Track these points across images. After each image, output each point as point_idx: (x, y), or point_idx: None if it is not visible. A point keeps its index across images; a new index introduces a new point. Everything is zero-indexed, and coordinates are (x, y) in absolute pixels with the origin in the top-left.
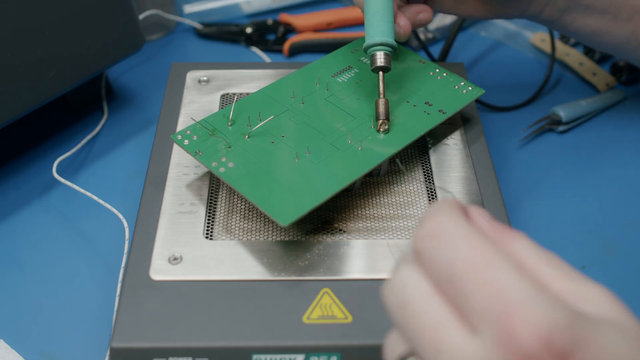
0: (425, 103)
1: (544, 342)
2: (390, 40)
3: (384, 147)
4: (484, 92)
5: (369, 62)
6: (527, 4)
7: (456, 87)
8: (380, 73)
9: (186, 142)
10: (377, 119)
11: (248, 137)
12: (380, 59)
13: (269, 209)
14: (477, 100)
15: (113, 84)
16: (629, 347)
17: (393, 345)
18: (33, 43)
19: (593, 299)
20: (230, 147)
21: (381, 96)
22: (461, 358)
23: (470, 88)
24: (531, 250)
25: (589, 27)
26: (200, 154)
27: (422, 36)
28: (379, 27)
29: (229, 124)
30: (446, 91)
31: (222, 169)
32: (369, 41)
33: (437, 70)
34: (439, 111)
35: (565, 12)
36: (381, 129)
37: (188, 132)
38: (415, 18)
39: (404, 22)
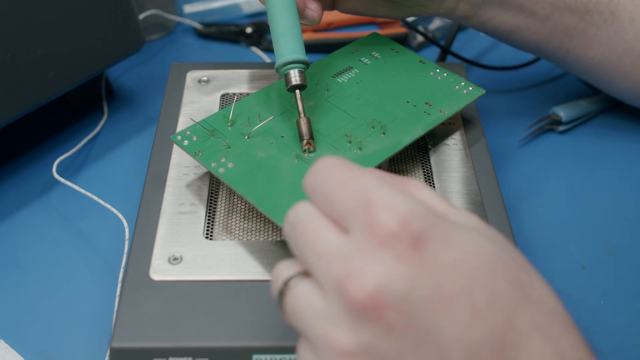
0: (426, 103)
1: (401, 222)
2: (302, 56)
3: (384, 147)
4: (484, 92)
5: (369, 62)
6: (439, 2)
7: (456, 87)
8: (297, 92)
9: (186, 142)
10: (301, 139)
11: (248, 137)
12: (295, 77)
13: (268, 209)
14: (471, 62)
15: (113, 84)
16: (492, 244)
17: (280, 272)
18: (33, 43)
19: (466, 216)
20: (229, 148)
21: (301, 116)
22: (337, 255)
23: (470, 88)
24: (420, 187)
25: (506, 24)
26: (200, 154)
27: (421, 37)
28: (289, 44)
29: (229, 124)
30: (446, 91)
31: (221, 170)
32: (280, 60)
33: (438, 70)
34: (439, 111)
35: (480, 8)
36: (306, 150)
37: (188, 132)
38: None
39: (314, 6)
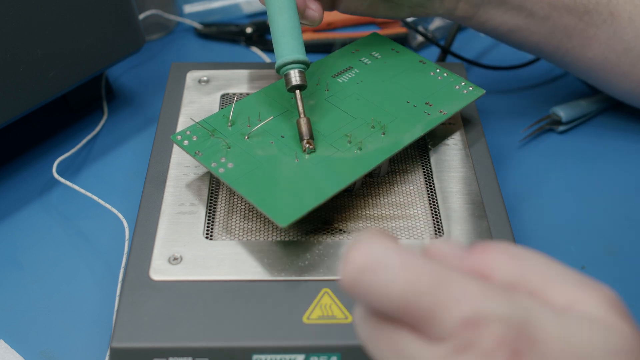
0: (426, 103)
1: (498, 343)
2: (302, 57)
3: (384, 148)
4: (484, 92)
5: (369, 62)
6: (439, 2)
7: (456, 87)
8: (297, 92)
9: (186, 142)
10: (301, 139)
11: (248, 137)
12: (295, 77)
13: (268, 209)
14: (471, 62)
15: (113, 84)
16: (607, 341)
17: None
18: (33, 43)
19: (573, 290)
20: (229, 148)
21: (301, 116)
22: None
23: (470, 88)
24: (506, 258)
25: (506, 24)
26: (200, 154)
27: (421, 37)
28: (289, 45)
29: (229, 124)
30: (446, 91)
31: (221, 170)
32: (280, 60)
33: (438, 70)
34: (439, 111)
35: (481, 8)
36: (306, 150)
37: (188, 132)
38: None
39: (315, 6)
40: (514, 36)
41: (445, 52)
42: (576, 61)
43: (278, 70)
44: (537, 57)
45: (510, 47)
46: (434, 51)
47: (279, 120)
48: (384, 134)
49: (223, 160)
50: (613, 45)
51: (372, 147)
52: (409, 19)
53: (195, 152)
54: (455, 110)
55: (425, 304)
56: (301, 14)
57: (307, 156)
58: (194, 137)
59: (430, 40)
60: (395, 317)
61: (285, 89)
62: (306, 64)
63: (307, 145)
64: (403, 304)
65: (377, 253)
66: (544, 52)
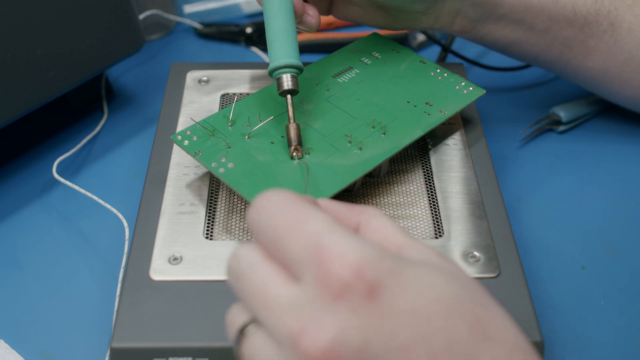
0: (426, 103)
1: (355, 273)
2: (296, 61)
3: (384, 148)
4: (484, 92)
5: (369, 62)
6: (434, 17)
7: (457, 87)
8: (289, 97)
9: (186, 142)
10: (289, 145)
11: (248, 137)
12: (287, 82)
13: None
14: (480, 64)
15: (113, 84)
16: (448, 284)
17: (234, 319)
18: (33, 43)
19: (421, 249)
20: (230, 148)
21: (291, 121)
22: (289, 308)
23: (471, 88)
24: (375, 216)
25: (506, 38)
26: (200, 154)
27: (421, 37)
28: (283, 48)
29: (229, 124)
30: (447, 91)
31: (221, 170)
32: (273, 64)
33: (438, 70)
34: (440, 111)
35: (479, 23)
36: (294, 156)
37: (188, 132)
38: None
39: (312, 12)
40: (513, 49)
41: (446, 51)
42: (577, 71)
43: (270, 73)
44: (536, 66)
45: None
46: (434, 51)
47: (279, 121)
48: (384, 134)
49: (223, 160)
50: (613, 55)
51: (372, 147)
52: None
53: (195, 152)
54: (455, 110)
55: (282, 236)
56: (299, 19)
57: (307, 156)
58: (194, 137)
59: (431, 39)
60: (271, 252)
61: (277, 92)
62: (299, 69)
63: (295, 152)
64: (272, 236)
65: (269, 198)
66: (544, 63)
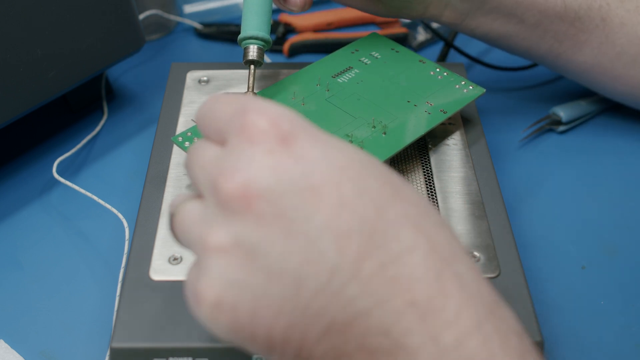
0: (426, 103)
1: (271, 121)
2: (263, 34)
3: (385, 147)
4: (484, 91)
5: (369, 62)
6: (423, 7)
7: (457, 86)
8: (252, 67)
9: (187, 144)
10: None
11: None
12: (252, 52)
13: None
14: (483, 63)
15: (113, 84)
16: (358, 151)
17: (175, 200)
18: (33, 43)
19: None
20: None
21: (249, 90)
22: (214, 160)
23: (470, 87)
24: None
25: (496, 31)
26: None
27: (421, 37)
28: (255, 21)
29: None
30: (447, 91)
31: None
32: (243, 34)
33: (438, 70)
34: (440, 111)
35: (468, 16)
36: None
37: (189, 134)
38: None
39: None
40: (504, 42)
41: (449, 46)
42: (568, 65)
43: (239, 42)
44: (527, 60)
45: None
46: (434, 51)
47: None
48: (384, 133)
49: None
50: (605, 49)
51: (373, 147)
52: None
53: None
54: (455, 109)
55: (209, 113)
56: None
57: None
58: (195, 138)
59: (434, 32)
60: (206, 135)
61: (242, 61)
62: (266, 42)
63: None
64: (202, 118)
65: (216, 98)
66: (535, 56)
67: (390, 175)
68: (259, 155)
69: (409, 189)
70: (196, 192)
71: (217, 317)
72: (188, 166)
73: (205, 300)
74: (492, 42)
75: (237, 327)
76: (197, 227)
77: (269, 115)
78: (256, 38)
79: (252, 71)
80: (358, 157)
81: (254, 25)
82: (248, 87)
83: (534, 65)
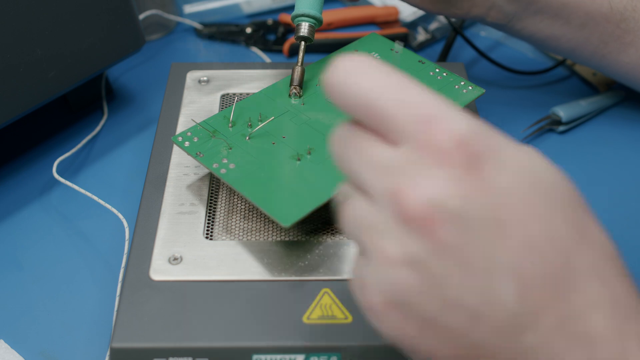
0: None
1: (459, 143)
2: (315, 12)
3: None
4: (484, 91)
5: None
6: (468, 6)
7: (456, 86)
8: (302, 43)
9: (187, 143)
10: (290, 84)
11: (249, 138)
12: (303, 29)
13: (270, 210)
14: (500, 65)
15: (113, 84)
16: (547, 169)
17: (340, 191)
18: (33, 43)
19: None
20: (231, 149)
21: (299, 64)
22: (392, 167)
23: (470, 88)
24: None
25: (542, 32)
26: (201, 155)
27: (421, 37)
28: (310, 0)
29: (230, 125)
30: (446, 91)
31: (223, 170)
32: (297, 11)
33: (437, 70)
34: None
35: (514, 18)
36: (291, 94)
37: (189, 133)
38: None
39: None
40: (550, 43)
41: (456, 33)
42: (613, 66)
43: (293, 19)
44: (571, 60)
45: (511, 48)
46: (434, 51)
47: (279, 121)
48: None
49: (225, 161)
50: None
51: None
52: (409, 20)
53: (196, 154)
54: None
55: (385, 104)
56: None
57: (308, 156)
58: (195, 138)
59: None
60: (364, 121)
61: (294, 37)
62: (319, 21)
63: (294, 91)
64: (366, 103)
65: (354, 62)
66: (580, 57)
67: (577, 210)
68: (445, 177)
69: (595, 227)
70: (356, 183)
71: (383, 321)
72: (348, 157)
73: (373, 302)
74: (538, 43)
75: (400, 338)
76: (371, 232)
77: (459, 133)
78: (308, 16)
79: (303, 47)
80: (550, 186)
81: (307, 3)
82: (298, 62)
83: (532, 72)
